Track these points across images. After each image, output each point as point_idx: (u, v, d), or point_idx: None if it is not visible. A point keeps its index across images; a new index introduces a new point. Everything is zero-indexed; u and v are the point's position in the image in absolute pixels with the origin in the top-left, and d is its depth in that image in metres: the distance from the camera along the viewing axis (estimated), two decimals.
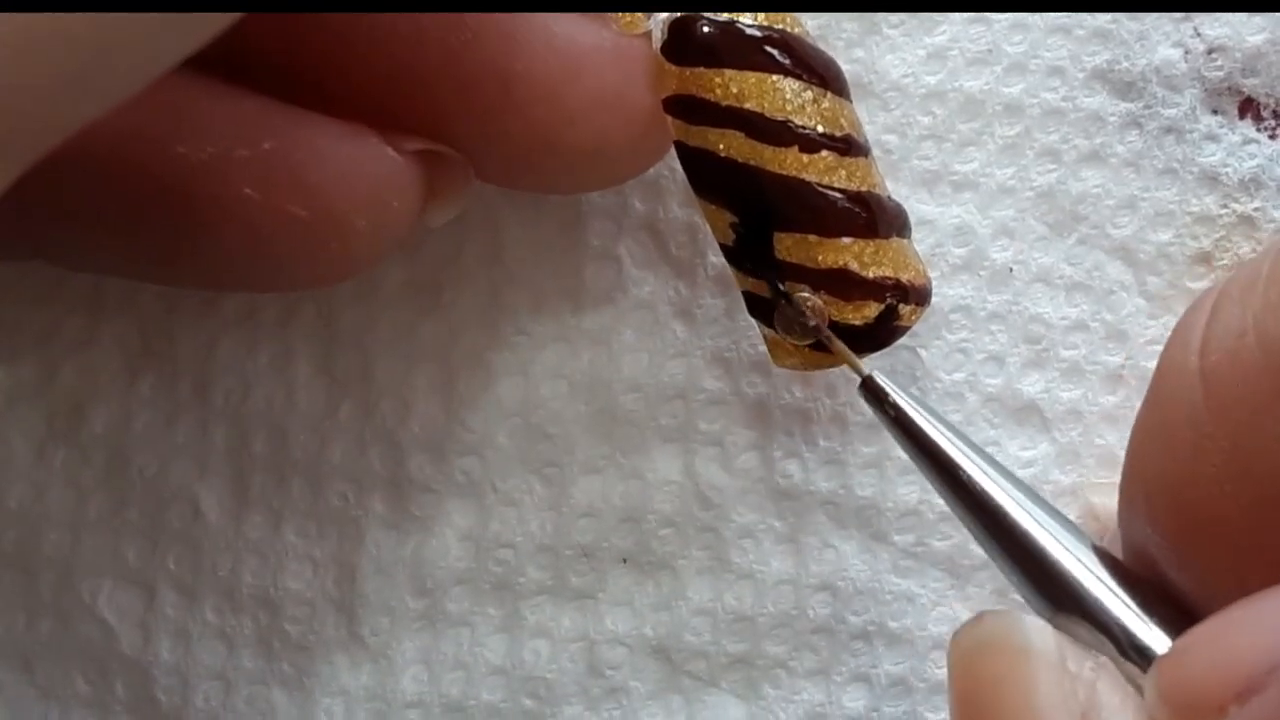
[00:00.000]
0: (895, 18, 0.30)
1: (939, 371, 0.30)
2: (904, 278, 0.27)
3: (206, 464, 0.30)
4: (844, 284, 0.26)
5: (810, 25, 0.30)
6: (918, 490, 0.30)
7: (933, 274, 0.30)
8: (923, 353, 0.30)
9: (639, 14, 0.27)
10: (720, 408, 0.30)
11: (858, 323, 0.27)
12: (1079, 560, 0.24)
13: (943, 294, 0.30)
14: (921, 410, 0.26)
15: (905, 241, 0.28)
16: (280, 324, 0.30)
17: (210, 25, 0.19)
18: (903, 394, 0.26)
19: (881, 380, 0.26)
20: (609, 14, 0.26)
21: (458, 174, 0.27)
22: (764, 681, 0.30)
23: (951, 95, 0.30)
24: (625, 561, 0.30)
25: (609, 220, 0.30)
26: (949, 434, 0.25)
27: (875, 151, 0.30)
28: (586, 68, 0.26)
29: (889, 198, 0.27)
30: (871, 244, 0.27)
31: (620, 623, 0.30)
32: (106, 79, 0.18)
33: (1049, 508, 0.25)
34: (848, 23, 0.30)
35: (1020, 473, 0.30)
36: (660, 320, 0.30)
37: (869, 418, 0.30)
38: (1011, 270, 0.30)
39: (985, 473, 0.25)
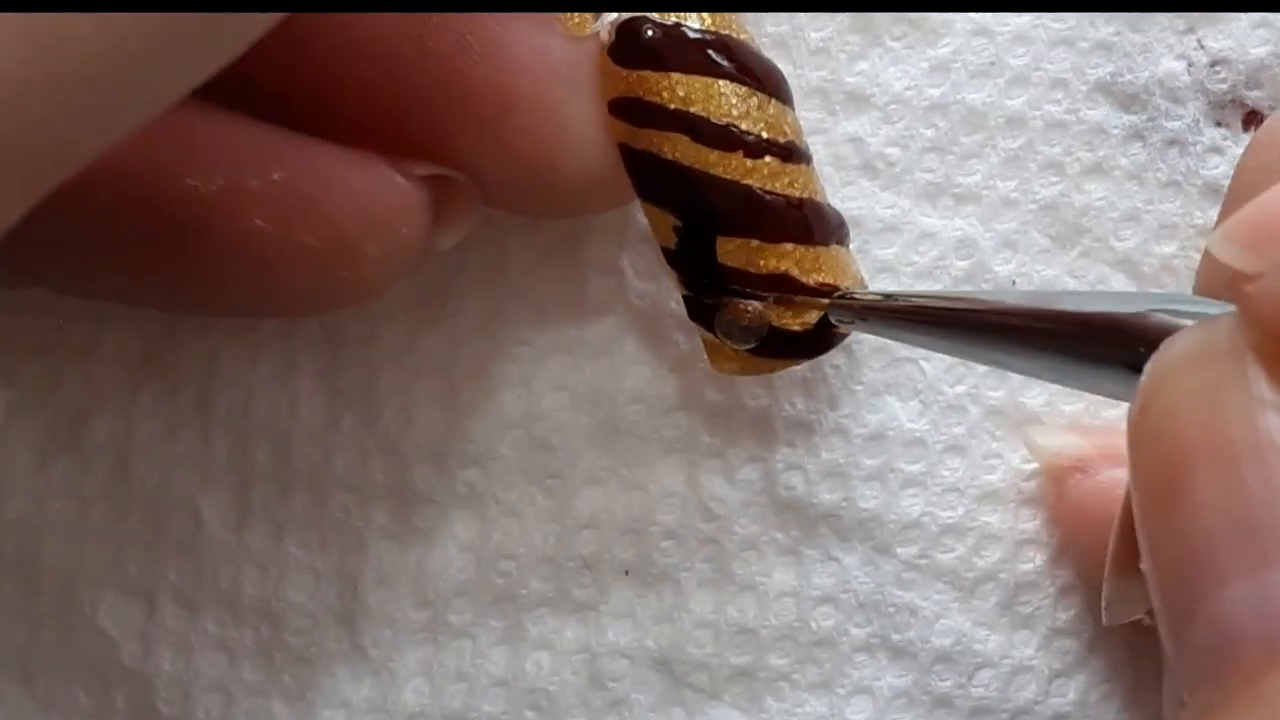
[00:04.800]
0: (898, 29, 0.30)
1: (941, 384, 0.30)
2: (843, 285, 0.27)
3: (208, 475, 0.30)
4: (785, 289, 0.27)
5: (815, 38, 0.30)
6: (921, 503, 0.30)
7: (935, 287, 0.30)
8: (925, 365, 0.30)
9: (586, 15, 0.27)
10: (723, 419, 0.30)
11: (797, 328, 0.27)
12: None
13: None
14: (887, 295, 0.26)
15: (845, 250, 0.28)
16: (282, 335, 0.30)
17: (220, 50, 0.19)
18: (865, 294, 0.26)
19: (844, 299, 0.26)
20: (556, 16, 0.26)
21: (465, 197, 0.27)
22: (766, 694, 0.30)
23: (954, 108, 0.30)
24: (627, 573, 0.30)
25: (611, 232, 0.30)
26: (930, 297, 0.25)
27: (878, 164, 0.30)
28: (592, 92, 0.26)
29: (829, 205, 0.27)
30: (812, 250, 0.27)
31: (622, 635, 0.30)
32: (119, 110, 0.18)
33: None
34: (851, 35, 0.30)
35: (1023, 485, 0.30)
36: (662, 332, 0.30)
37: (871, 429, 0.30)
38: (1014, 283, 0.30)
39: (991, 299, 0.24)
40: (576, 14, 0.27)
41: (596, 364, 0.30)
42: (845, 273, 0.27)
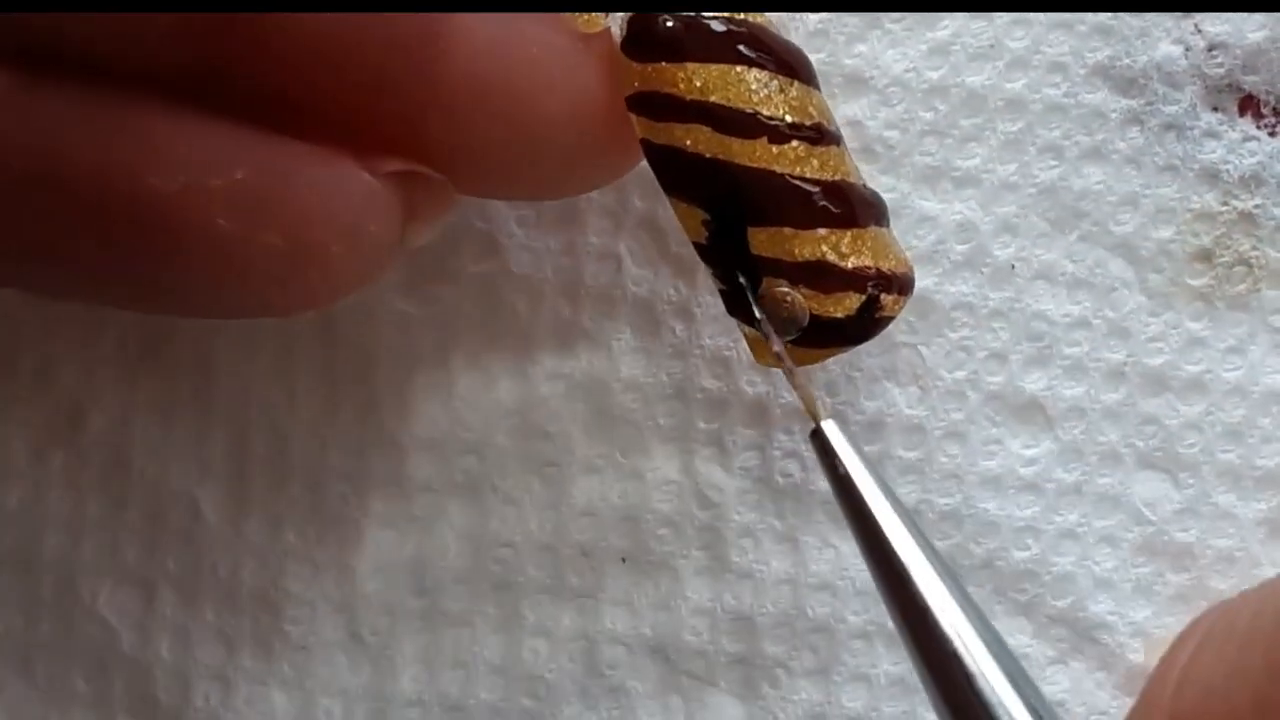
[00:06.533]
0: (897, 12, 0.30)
1: (940, 370, 0.30)
2: (884, 266, 0.26)
3: (206, 465, 0.30)
4: (822, 276, 0.26)
5: (812, 20, 0.30)
6: (918, 489, 0.30)
7: (934, 271, 0.30)
8: (924, 350, 0.30)
9: (597, 14, 0.26)
10: (719, 407, 0.30)
11: (839, 315, 0.26)
12: None
13: (944, 291, 0.30)
14: (874, 484, 0.25)
15: (884, 230, 0.27)
16: (279, 324, 0.30)
17: None
18: (855, 454, 0.25)
19: (832, 433, 0.25)
20: (564, 12, 0.26)
21: (437, 193, 0.26)
22: (763, 681, 0.30)
23: (953, 90, 0.30)
24: (624, 561, 0.30)
25: (608, 218, 0.30)
26: (901, 523, 0.24)
27: (877, 147, 0.30)
28: (565, 72, 0.25)
29: (864, 185, 0.27)
30: (848, 234, 0.26)
31: (619, 622, 0.30)
32: None
33: (1004, 655, 0.23)
34: (849, 17, 0.30)
35: (1023, 471, 0.30)
36: (659, 319, 0.30)
37: (869, 417, 0.30)
38: (1013, 267, 0.30)
39: (931, 588, 0.23)
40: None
41: (593, 352, 0.30)
42: (886, 254, 0.26)
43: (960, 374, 0.30)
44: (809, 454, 0.30)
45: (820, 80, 0.29)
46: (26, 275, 0.26)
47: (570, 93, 0.25)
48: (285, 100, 0.24)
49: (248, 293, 0.25)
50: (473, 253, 0.30)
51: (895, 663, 0.30)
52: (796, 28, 0.30)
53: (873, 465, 0.25)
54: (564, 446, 0.30)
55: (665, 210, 0.30)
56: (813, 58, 0.29)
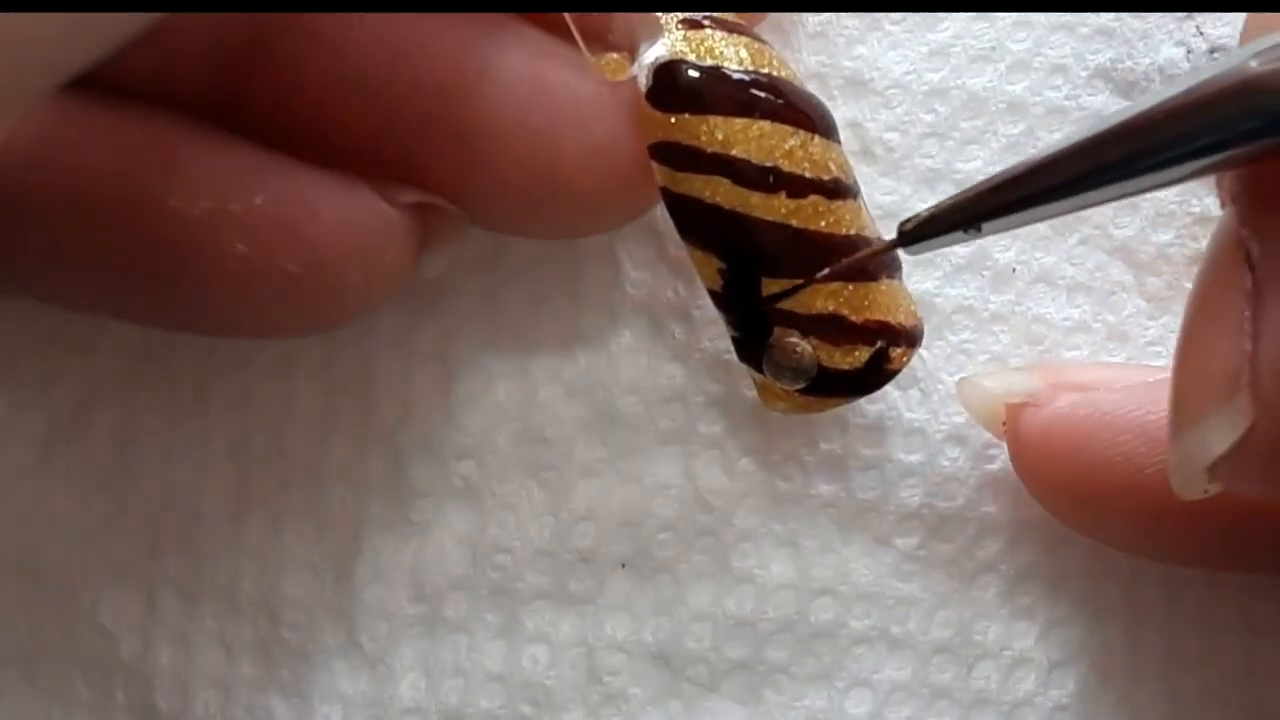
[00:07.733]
0: (897, 14, 0.30)
1: (941, 373, 0.30)
2: (894, 320, 0.27)
3: (207, 469, 0.30)
4: (833, 329, 0.26)
5: (812, 21, 0.30)
6: (920, 493, 0.30)
7: (935, 274, 0.30)
8: (925, 354, 0.30)
9: (622, 59, 0.26)
10: (720, 410, 0.30)
11: (847, 367, 0.27)
12: None
13: (945, 295, 0.30)
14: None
15: (896, 282, 0.27)
16: None
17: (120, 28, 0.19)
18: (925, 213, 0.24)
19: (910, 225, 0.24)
20: (590, 60, 0.26)
21: (451, 224, 0.27)
22: (765, 687, 0.30)
23: (954, 93, 0.30)
24: (624, 566, 0.30)
25: None
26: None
27: (877, 150, 0.30)
28: (583, 118, 0.26)
29: (879, 238, 0.27)
30: (862, 288, 0.26)
31: (619, 628, 0.30)
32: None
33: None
34: (849, 19, 0.30)
35: None
36: (659, 322, 0.30)
37: (870, 419, 0.30)
38: (1014, 270, 0.30)
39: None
40: (613, 57, 0.26)
41: (592, 355, 0.30)
42: (897, 307, 0.27)
43: (961, 376, 0.30)
44: (810, 458, 0.29)
45: (819, 82, 0.30)
46: (45, 286, 0.26)
47: (592, 141, 0.26)
48: (309, 129, 0.25)
49: (261, 315, 0.26)
50: (472, 255, 0.30)
51: (899, 668, 0.29)
52: (795, 30, 0.30)
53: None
54: (563, 450, 0.30)
55: (664, 214, 0.29)
56: (812, 59, 0.30)
